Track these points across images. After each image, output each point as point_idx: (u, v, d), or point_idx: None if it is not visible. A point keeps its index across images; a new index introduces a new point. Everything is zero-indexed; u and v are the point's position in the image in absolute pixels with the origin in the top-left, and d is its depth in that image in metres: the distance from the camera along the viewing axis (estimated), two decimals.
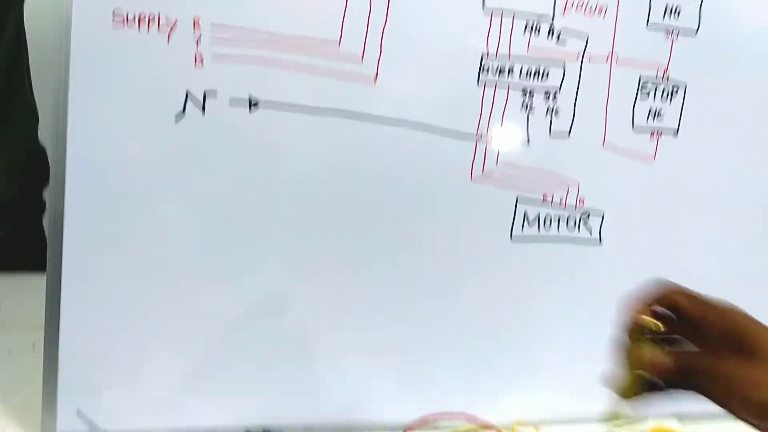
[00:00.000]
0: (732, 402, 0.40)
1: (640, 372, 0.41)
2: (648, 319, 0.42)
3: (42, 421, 0.65)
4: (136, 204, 0.64)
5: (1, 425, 0.67)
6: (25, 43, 0.98)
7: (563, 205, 0.77)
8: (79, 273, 0.64)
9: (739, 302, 0.43)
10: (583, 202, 0.78)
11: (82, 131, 0.62)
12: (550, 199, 0.77)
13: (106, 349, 0.66)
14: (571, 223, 0.78)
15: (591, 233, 0.79)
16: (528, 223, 0.77)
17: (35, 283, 0.96)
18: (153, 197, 0.65)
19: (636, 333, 0.42)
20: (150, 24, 0.62)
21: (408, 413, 0.74)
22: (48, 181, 1.05)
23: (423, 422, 0.74)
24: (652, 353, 0.41)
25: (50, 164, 0.63)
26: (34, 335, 0.76)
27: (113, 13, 0.61)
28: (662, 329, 0.41)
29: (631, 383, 0.42)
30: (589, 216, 0.79)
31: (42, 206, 1.06)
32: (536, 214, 0.77)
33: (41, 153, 1.05)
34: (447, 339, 0.76)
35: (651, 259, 0.82)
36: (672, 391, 0.42)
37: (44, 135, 1.02)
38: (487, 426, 0.76)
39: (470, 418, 0.76)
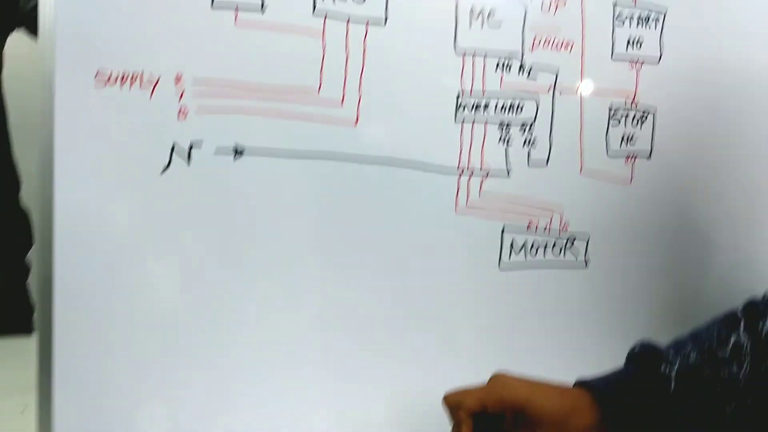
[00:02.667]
0: None
1: None
2: None
3: None
4: (125, 263, 0.64)
5: None
6: (5, 106, 0.98)
7: (548, 231, 0.79)
8: (70, 335, 0.63)
9: None
10: (567, 227, 0.80)
11: (69, 192, 0.62)
12: (535, 227, 0.79)
13: (100, 411, 0.65)
14: (557, 249, 0.80)
15: (576, 258, 0.81)
16: (515, 252, 0.78)
17: (21, 347, 0.95)
18: (142, 255, 0.65)
19: None
20: (133, 81, 0.64)
21: None
22: (31, 244, 1.05)
23: None
24: None
25: (37, 227, 0.63)
26: (23, 399, 0.74)
27: (97, 72, 0.62)
28: None
29: None
30: (574, 241, 0.80)
31: (26, 270, 1.06)
32: (522, 241, 0.78)
33: (24, 217, 1.05)
34: (438, 374, 0.76)
35: (636, 279, 0.83)
36: None
37: (28, 197, 1.02)
38: None
39: None
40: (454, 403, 0.53)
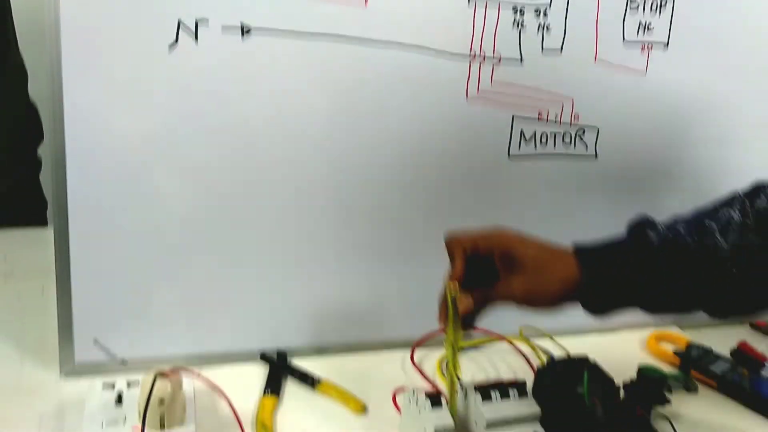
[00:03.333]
0: (521, 306, 0.56)
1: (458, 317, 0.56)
2: (449, 285, 0.56)
3: (60, 352, 0.66)
4: (137, 144, 0.65)
5: (17, 360, 0.68)
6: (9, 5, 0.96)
7: (558, 122, 0.78)
8: (84, 224, 0.65)
9: None
10: (578, 117, 0.79)
11: (77, 77, 0.61)
12: (545, 117, 0.78)
13: (118, 282, 0.67)
14: (567, 139, 0.79)
15: (587, 148, 0.80)
16: (525, 141, 0.78)
17: (37, 236, 0.98)
18: (153, 135, 0.65)
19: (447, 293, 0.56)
20: None
21: (415, 330, 0.77)
22: (42, 137, 1.06)
23: (430, 337, 0.76)
24: (461, 302, 0.55)
25: (48, 116, 0.62)
26: (42, 282, 0.77)
27: None
28: (456, 291, 0.55)
29: (454, 323, 0.56)
30: (584, 132, 0.80)
31: (38, 163, 1.06)
32: (532, 131, 0.78)
33: (33, 110, 1.05)
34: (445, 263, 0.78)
35: (646, 171, 0.83)
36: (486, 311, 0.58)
37: (36, 89, 1.01)
38: (494, 336, 0.78)
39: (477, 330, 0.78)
40: (451, 242, 0.58)
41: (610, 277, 0.54)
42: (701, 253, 0.51)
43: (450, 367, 0.58)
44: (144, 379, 0.55)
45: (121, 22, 0.62)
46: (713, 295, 0.52)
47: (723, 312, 0.54)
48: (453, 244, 0.58)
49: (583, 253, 0.56)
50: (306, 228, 0.73)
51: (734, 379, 0.71)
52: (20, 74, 1.03)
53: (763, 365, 0.72)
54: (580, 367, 0.60)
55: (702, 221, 0.53)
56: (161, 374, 0.55)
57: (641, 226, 0.55)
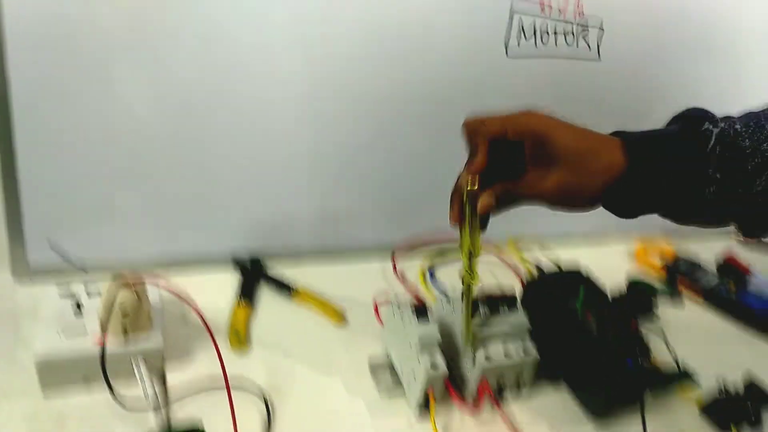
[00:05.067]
0: (552, 204, 0.47)
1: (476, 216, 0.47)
2: (466, 178, 0.46)
3: (10, 251, 0.60)
4: (93, 34, 0.56)
5: None
6: None
7: (562, 14, 0.71)
8: (32, 103, 0.56)
9: None
10: (582, 12, 0.72)
11: None
12: (548, 9, 0.70)
13: (74, 177, 0.60)
14: (570, 39, 0.73)
15: (590, 48, 0.74)
16: (524, 36, 0.71)
17: None
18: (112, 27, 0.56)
19: (463, 187, 0.47)
20: None
21: (395, 236, 0.73)
22: None
23: (411, 244, 0.72)
24: (481, 200, 0.46)
25: None
26: None
27: None
28: (475, 186, 0.46)
29: (471, 223, 0.47)
30: (588, 28, 0.73)
31: None
32: (532, 23, 0.70)
33: None
34: (433, 161, 0.73)
35: (650, 75, 0.78)
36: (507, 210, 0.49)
37: None
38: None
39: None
40: (473, 127, 0.48)
41: (660, 171, 0.45)
42: (758, 158, 0.44)
43: (465, 275, 0.49)
44: (106, 287, 0.50)
45: None
46: (757, 203, 0.44)
47: (761, 231, 0.49)
48: (475, 129, 0.47)
49: (631, 142, 0.46)
50: (282, 127, 0.66)
51: (720, 291, 0.69)
52: None
53: (748, 277, 0.71)
54: (572, 280, 0.57)
55: (760, 123, 0.45)
56: (124, 283, 0.50)
57: (698, 120, 0.47)
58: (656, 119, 0.77)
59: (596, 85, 0.76)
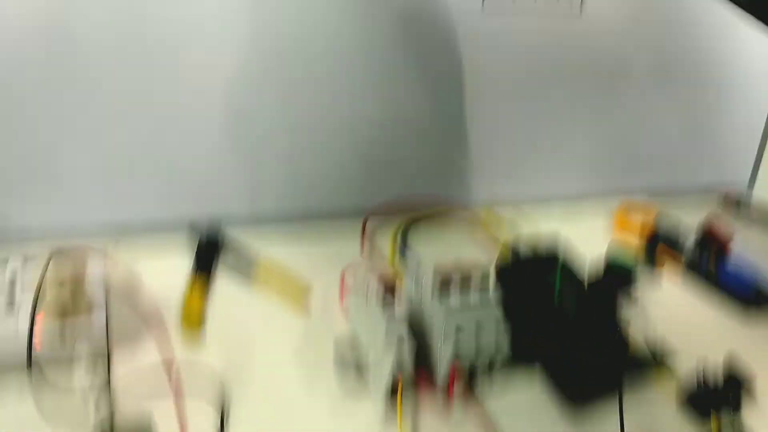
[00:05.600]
0: None
1: None
2: None
3: None
4: None
5: None
6: None
7: None
8: None
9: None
10: None
11: None
12: None
13: (11, 134, 0.55)
14: None
15: (571, 6, 0.69)
16: None
17: None
18: None
19: None
20: None
21: (370, 198, 0.69)
22: None
23: (387, 206, 0.68)
24: None
25: None
26: None
27: None
28: None
29: None
30: None
31: None
32: None
33: None
34: (413, 119, 0.68)
35: (634, 32, 0.73)
36: None
37: None
38: (458, 207, 0.72)
39: (439, 200, 0.71)
40: None
41: None
42: None
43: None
44: (40, 256, 0.45)
45: None
46: None
47: None
48: None
49: None
50: (243, 81, 0.60)
51: (701, 265, 0.67)
52: None
53: (728, 252, 0.69)
54: (548, 262, 0.54)
55: None
56: (59, 252, 0.44)
57: None
58: (636, 77, 0.73)
59: (577, 43, 0.71)
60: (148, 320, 0.49)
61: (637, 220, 0.78)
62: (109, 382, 0.44)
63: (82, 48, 0.54)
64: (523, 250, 0.58)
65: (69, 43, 0.54)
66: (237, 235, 0.63)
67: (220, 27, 0.57)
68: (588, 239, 0.64)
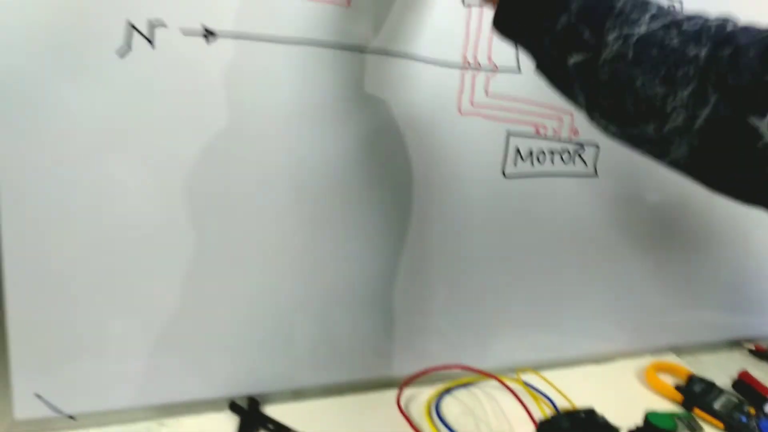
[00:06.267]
0: None
1: None
2: None
3: None
4: (82, 163, 0.55)
5: None
6: None
7: (557, 136, 0.72)
8: (20, 244, 0.55)
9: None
10: (577, 132, 0.73)
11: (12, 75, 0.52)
12: (543, 133, 0.71)
13: (62, 323, 0.58)
14: (566, 157, 0.73)
15: (587, 165, 0.74)
16: (521, 158, 0.71)
17: None
18: (101, 152, 0.56)
19: None
20: None
21: (404, 368, 0.70)
22: None
23: (419, 376, 0.70)
24: None
25: None
26: None
27: None
28: None
29: None
30: (583, 148, 0.73)
31: None
32: (528, 148, 0.71)
33: None
34: (436, 286, 0.71)
35: (649, 189, 0.78)
36: None
37: None
38: (485, 374, 0.72)
39: (466, 369, 0.72)
40: None
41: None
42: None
43: None
44: None
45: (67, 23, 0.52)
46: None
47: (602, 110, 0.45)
48: None
49: None
50: (273, 247, 0.65)
51: (741, 419, 0.66)
52: None
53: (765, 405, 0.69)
54: (586, 422, 0.54)
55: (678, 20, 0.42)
56: None
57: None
58: (650, 231, 0.76)
59: (593, 200, 0.76)
60: None
61: (669, 380, 0.77)
62: None
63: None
64: (560, 417, 0.58)
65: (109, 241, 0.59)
66: (275, 410, 0.65)
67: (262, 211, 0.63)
68: (621, 397, 0.64)
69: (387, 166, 0.66)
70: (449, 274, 0.72)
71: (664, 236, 0.81)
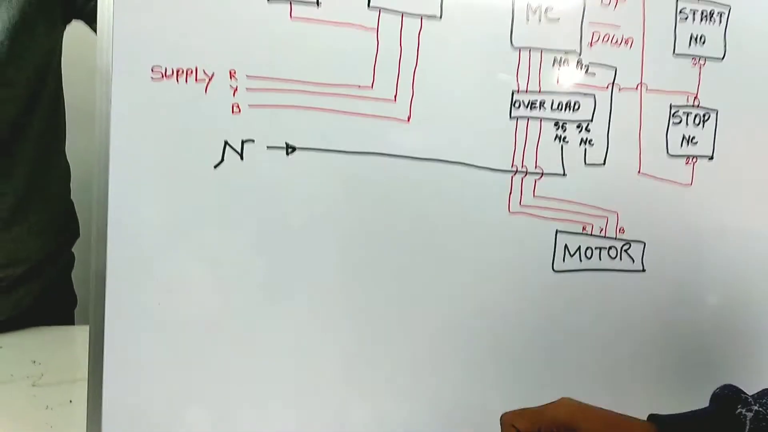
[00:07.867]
0: None
1: None
2: None
3: None
4: (177, 257, 0.64)
5: None
6: (63, 100, 0.99)
7: (603, 235, 0.77)
8: (120, 328, 0.64)
9: None
10: (623, 230, 0.77)
11: (123, 186, 0.62)
12: (590, 230, 0.76)
13: (148, 402, 0.65)
14: (613, 253, 0.77)
15: (634, 261, 0.78)
16: (569, 255, 0.76)
17: (66, 336, 0.96)
18: (193, 249, 0.65)
19: None
20: (188, 76, 0.63)
21: None
22: (78, 235, 1.06)
23: None
24: None
25: (93, 220, 0.63)
26: (72, 390, 0.75)
27: (153, 67, 0.62)
28: None
29: None
30: (631, 244, 0.78)
31: (71, 261, 1.07)
32: (577, 245, 0.76)
33: (72, 210, 1.07)
34: (489, 381, 0.75)
35: (697, 286, 0.80)
36: None
37: (81, 190, 1.03)
38: None
39: None
40: (507, 422, 0.54)
41: None
42: None
43: None
44: None
45: (171, 135, 0.63)
46: None
47: None
48: (511, 423, 0.53)
49: (664, 427, 0.51)
50: (327, 347, 0.70)
51: None
52: (66, 174, 1.04)
53: None
54: None
55: None
56: None
57: (731, 401, 0.51)
58: (700, 330, 0.77)
59: (641, 297, 0.79)
60: None
61: None
62: None
63: None
64: None
65: None
66: None
67: None
68: None
69: (439, 262, 0.72)
70: (495, 367, 0.75)
71: (714, 336, 0.82)
